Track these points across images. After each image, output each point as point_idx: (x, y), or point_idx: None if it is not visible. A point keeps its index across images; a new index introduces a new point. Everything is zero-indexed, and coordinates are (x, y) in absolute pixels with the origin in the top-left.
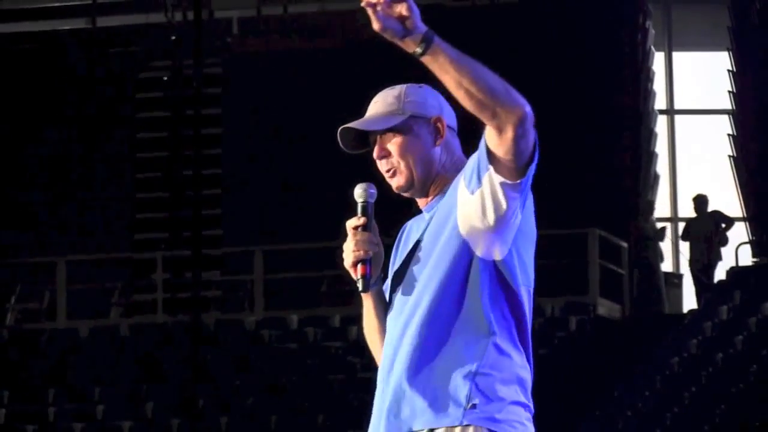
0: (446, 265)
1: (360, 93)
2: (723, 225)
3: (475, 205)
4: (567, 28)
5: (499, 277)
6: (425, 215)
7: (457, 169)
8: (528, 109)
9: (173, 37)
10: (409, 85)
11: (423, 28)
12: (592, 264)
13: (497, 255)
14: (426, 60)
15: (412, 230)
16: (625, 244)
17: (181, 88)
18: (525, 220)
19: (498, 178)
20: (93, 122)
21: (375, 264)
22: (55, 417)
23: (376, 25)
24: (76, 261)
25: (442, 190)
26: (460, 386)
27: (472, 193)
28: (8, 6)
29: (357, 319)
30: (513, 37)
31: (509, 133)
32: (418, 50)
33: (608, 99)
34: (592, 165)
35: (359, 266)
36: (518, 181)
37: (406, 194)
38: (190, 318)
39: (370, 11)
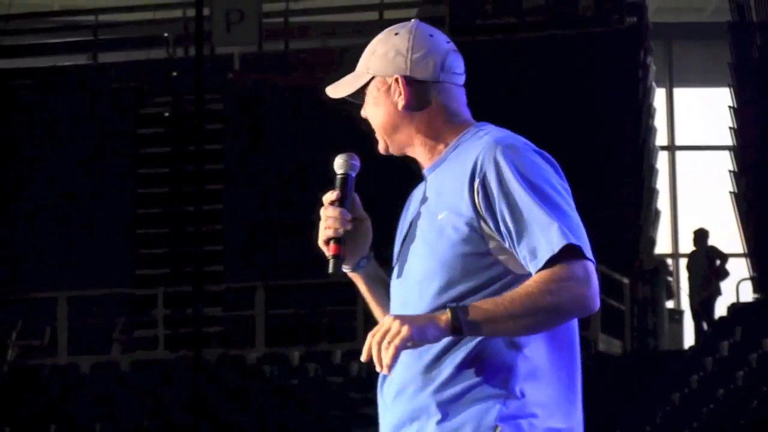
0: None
1: (361, 128)
2: (718, 261)
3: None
4: (568, 65)
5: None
6: (424, 183)
7: (456, 129)
8: (588, 291)
9: (174, 73)
10: (387, 30)
11: (436, 331)
12: None
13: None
14: (472, 335)
15: (413, 198)
16: (626, 280)
17: (182, 123)
18: None
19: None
20: (94, 158)
21: (354, 242)
22: None
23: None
24: (77, 297)
25: (440, 155)
26: None
27: (503, 240)
28: (10, 42)
29: (358, 354)
30: (513, 74)
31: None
32: (456, 338)
33: (609, 135)
34: (593, 201)
35: (331, 244)
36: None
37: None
38: (191, 354)
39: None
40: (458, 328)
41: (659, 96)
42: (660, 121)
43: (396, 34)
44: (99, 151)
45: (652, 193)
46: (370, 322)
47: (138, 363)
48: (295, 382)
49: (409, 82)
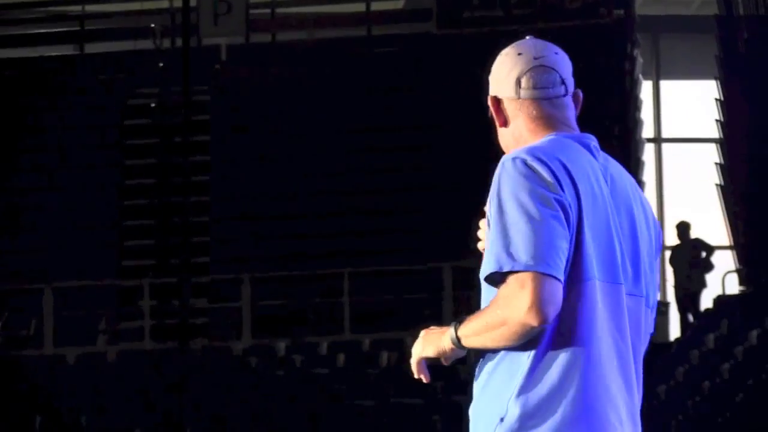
0: None
1: (349, 119)
2: (704, 253)
3: None
4: None
5: None
6: None
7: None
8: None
9: (161, 64)
10: (503, 51)
11: (448, 342)
12: None
13: None
14: (463, 347)
15: None
16: None
17: (169, 115)
18: None
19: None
20: (80, 148)
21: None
22: None
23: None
24: (63, 288)
25: None
26: None
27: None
28: None
29: (344, 346)
30: None
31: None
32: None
33: (595, 127)
34: None
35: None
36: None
37: None
38: (178, 345)
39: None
40: (454, 341)
41: (646, 88)
42: (646, 113)
43: (499, 56)
44: (85, 142)
45: (639, 185)
46: (356, 313)
47: (124, 354)
48: (281, 374)
49: (498, 101)
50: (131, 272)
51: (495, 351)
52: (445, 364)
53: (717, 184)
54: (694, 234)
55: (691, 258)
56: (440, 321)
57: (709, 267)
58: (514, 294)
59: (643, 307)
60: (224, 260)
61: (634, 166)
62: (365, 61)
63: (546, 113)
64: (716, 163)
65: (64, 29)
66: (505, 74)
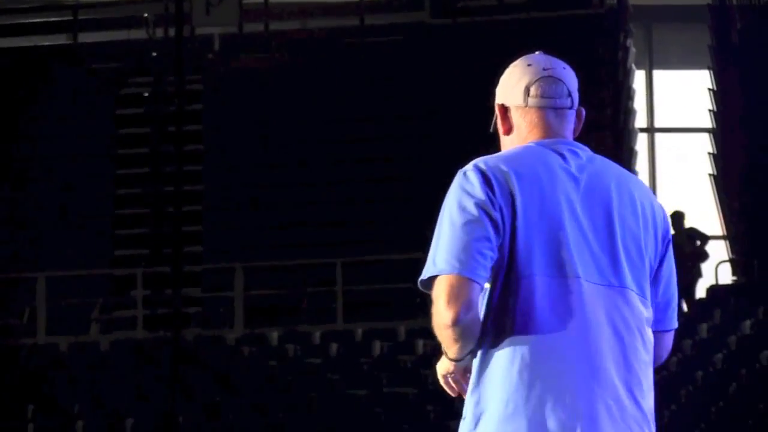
0: None
1: (342, 109)
2: (698, 242)
3: None
4: (548, 47)
5: None
6: None
7: None
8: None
9: (154, 54)
10: (513, 63)
11: (446, 361)
12: None
13: None
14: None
15: None
16: None
17: (162, 104)
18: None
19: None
20: (73, 138)
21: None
22: None
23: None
24: (56, 277)
25: None
26: None
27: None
28: None
29: (337, 335)
30: (493, 56)
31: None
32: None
33: (588, 117)
34: None
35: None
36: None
37: None
38: (170, 334)
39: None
40: (444, 354)
41: (639, 78)
42: (639, 103)
43: (509, 67)
44: (78, 132)
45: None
46: (349, 302)
47: (117, 343)
48: (274, 363)
49: (506, 109)
50: (124, 261)
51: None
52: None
53: (710, 174)
54: (687, 224)
55: (686, 248)
56: None
57: (704, 256)
58: (435, 299)
59: (629, 297)
60: (217, 249)
61: (626, 156)
62: (359, 50)
63: (548, 123)
64: (709, 153)
65: (58, 19)
66: (514, 83)
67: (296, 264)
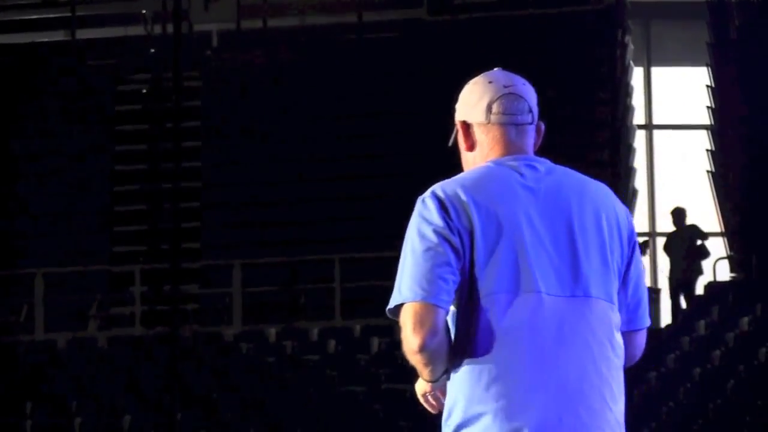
0: None
1: (340, 105)
2: (699, 241)
3: None
4: (546, 43)
5: None
6: None
7: None
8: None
9: (152, 50)
10: (472, 81)
11: (423, 382)
12: None
13: None
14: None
15: None
16: None
17: (160, 101)
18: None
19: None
20: (71, 135)
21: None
22: (32, 429)
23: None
24: (54, 273)
25: None
26: None
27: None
28: None
29: (335, 332)
30: (491, 52)
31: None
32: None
33: (587, 113)
34: None
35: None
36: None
37: None
38: (168, 331)
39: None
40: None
41: (637, 75)
42: (637, 100)
43: (468, 84)
44: (76, 128)
45: (630, 171)
46: (347, 299)
47: (115, 340)
48: (272, 360)
49: (467, 125)
50: (122, 258)
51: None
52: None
53: (708, 171)
54: (688, 221)
55: (687, 245)
56: None
57: (704, 254)
58: (403, 326)
59: (594, 305)
60: (215, 246)
61: (624, 153)
62: (356, 47)
63: (509, 139)
64: (707, 150)
65: (56, 15)
66: (476, 100)
67: (294, 261)
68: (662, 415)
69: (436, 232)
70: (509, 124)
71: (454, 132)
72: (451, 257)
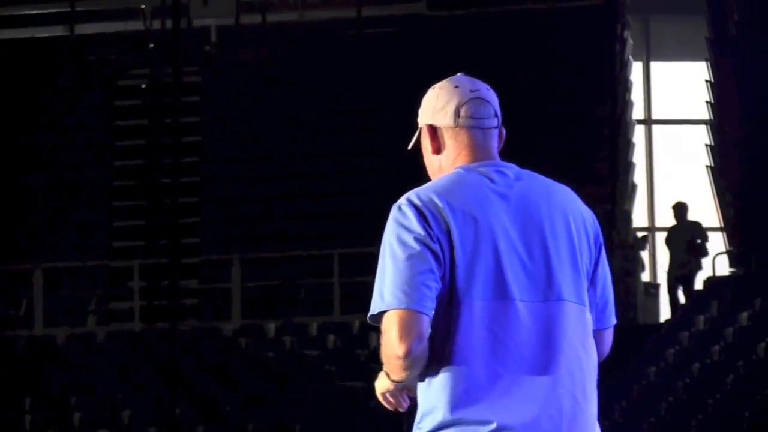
0: None
1: (339, 100)
2: (698, 240)
3: None
4: (545, 38)
5: None
6: None
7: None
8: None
9: (151, 45)
10: (432, 88)
11: (386, 381)
12: None
13: None
14: None
15: None
16: None
17: (159, 96)
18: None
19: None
20: (70, 129)
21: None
22: (32, 424)
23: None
24: (53, 268)
25: None
26: None
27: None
28: None
29: (334, 327)
30: (491, 47)
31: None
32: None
33: (586, 108)
34: (569, 174)
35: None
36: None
37: None
38: (167, 326)
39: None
40: (386, 376)
41: (636, 70)
42: (637, 94)
43: (432, 89)
44: (75, 123)
45: (629, 166)
46: (347, 294)
47: (114, 335)
48: (271, 355)
49: (433, 128)
50: (121, 253)
51: None
52: (409, 394)
53: (707, 166)
54: (690, 217)
55: (688, 241)
56: None
57: (703, 254)
58: (385, 332)
59: (567, 308)
60: (214, 241)
61: (623, 148)
62: (356, 42)
63: (476, 142)
64: (706, 145)
65: (55, 10)
66: (443, 104)
67: (293, 256)
68: (662, 409)
69: (417, 239)
70: (476, 127)
71: (417, 134)
72: (433, 264)
